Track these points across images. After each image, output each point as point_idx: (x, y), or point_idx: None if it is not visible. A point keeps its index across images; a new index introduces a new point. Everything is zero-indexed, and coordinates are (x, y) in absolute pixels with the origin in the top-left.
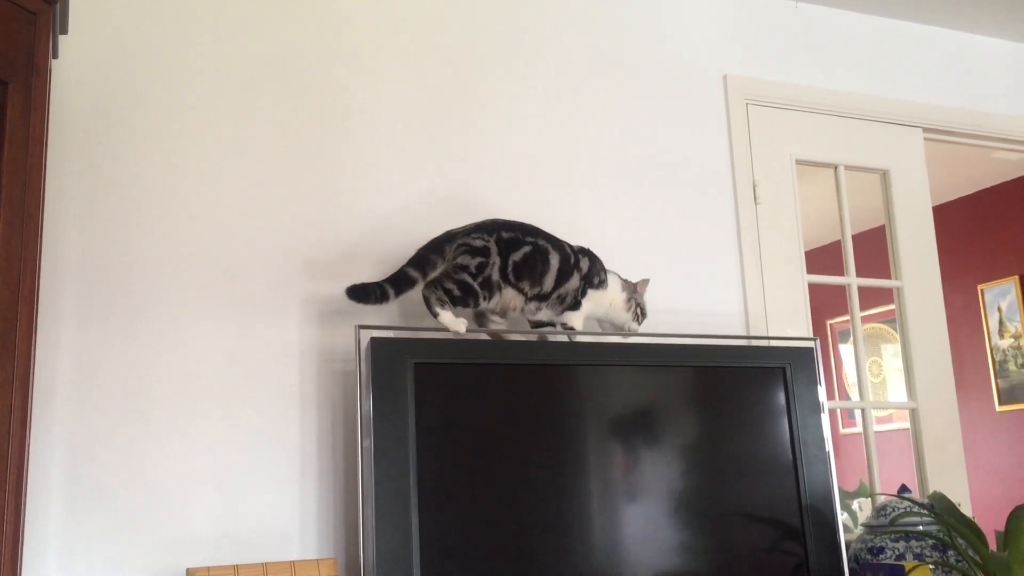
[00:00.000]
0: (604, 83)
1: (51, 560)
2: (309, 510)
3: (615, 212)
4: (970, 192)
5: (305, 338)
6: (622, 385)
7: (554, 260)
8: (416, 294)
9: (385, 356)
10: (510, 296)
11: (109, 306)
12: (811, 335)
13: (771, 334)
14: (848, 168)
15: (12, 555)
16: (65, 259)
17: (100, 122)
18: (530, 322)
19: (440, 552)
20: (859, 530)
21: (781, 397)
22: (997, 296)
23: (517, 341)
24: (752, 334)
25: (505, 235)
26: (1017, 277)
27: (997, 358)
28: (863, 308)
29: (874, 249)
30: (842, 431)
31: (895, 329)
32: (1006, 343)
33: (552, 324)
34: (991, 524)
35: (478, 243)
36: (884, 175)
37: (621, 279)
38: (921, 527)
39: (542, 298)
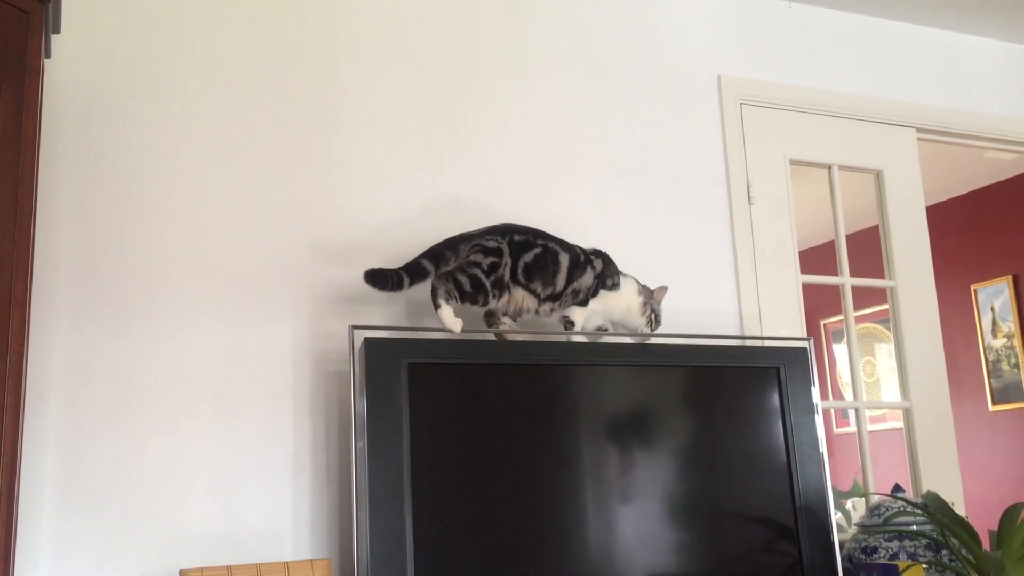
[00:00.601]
0: (599, 83)
1: (43, 561)
2: (303, 510)
3: (610, 212)
4: (963, 192)
5: (299, 338)
6: (616, 385)
7: (564, 260)
8: (420, 292)
9: (379, 356)
10: (521, 296)
11: (102, 306)
12: (805, 335)
13: (765, 334)
14: (842, 168)
15: (4, 556)
16: (58, 259)
17: (93, 122)
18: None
19: (434, 553)
20: (853, 530)
21: (775, 397)
22: (990, 296)
23: (511, 341)
24: (746, 334)
25: (517, 238)
26: (1010, 277)
27: (990, 358)
28: (857, 308)
29: (868, 249)
30: (836, 431)
31: (889, 329)
32: (999, 343)
33: (573, 323)
34: (985, 524)
35: (491, 244)
36: (877, 175)
37: (638, 284)
38: (915, 527)
39: (555, 298)
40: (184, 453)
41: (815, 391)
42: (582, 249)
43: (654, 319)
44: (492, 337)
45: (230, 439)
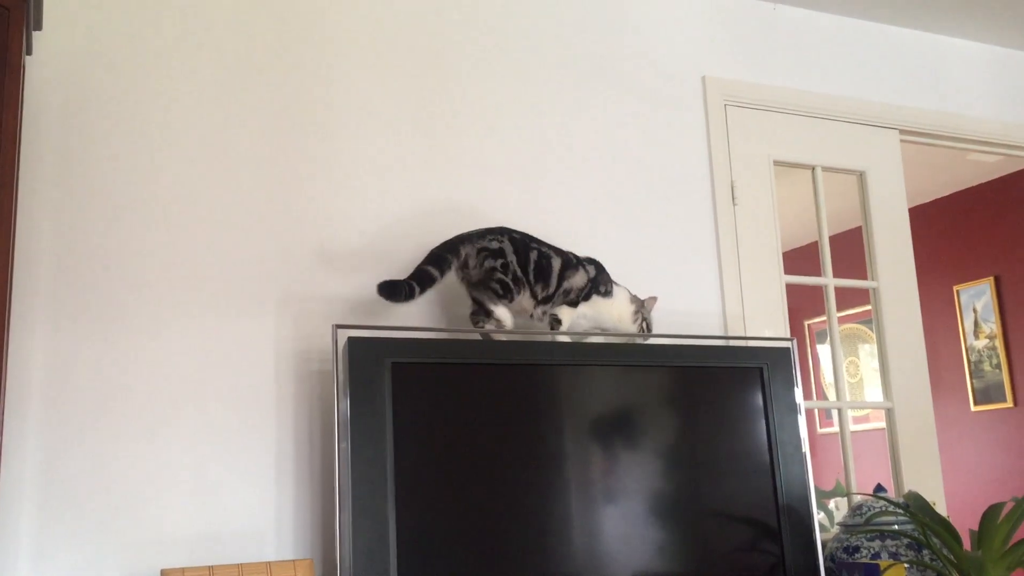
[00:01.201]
0: (584, 84)
1: (23, 562)
2: (285, 511)
3: (595, 212)
4: (946, 194)
5: (281, 338)
6: (600, 385)
7: (556, 263)
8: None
9: (362, 356)
10: (527, 297)
11: (83, 306)
12: (788, 335)
13: (749, 334)
14: (825, 169)
15: None
16: (39, 259)
17: (74, 119)
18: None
19: (417, 553)
20: (835, 529)
21: (758, 397)
22: (972, 297)
23: (496, 341)
24: (730, 334)
25: (516, 235)
26: (992, 278)
27: (972, 359)
28: (840, 309)
29: (851, 250)
30: (819, 431)
31: (872, 330)
32: (981, 344)
33: (560, 322)
34: (966, 523)
35: (494, 244)
36: (861, 176)
37: (630, 293)
38: (896, 526)
39: (547, 300)
40: (166, 453)
41: (798, 391)
42: (575, 256)
43: (645, 328)
44: (476, 337)
45: (212, 439)
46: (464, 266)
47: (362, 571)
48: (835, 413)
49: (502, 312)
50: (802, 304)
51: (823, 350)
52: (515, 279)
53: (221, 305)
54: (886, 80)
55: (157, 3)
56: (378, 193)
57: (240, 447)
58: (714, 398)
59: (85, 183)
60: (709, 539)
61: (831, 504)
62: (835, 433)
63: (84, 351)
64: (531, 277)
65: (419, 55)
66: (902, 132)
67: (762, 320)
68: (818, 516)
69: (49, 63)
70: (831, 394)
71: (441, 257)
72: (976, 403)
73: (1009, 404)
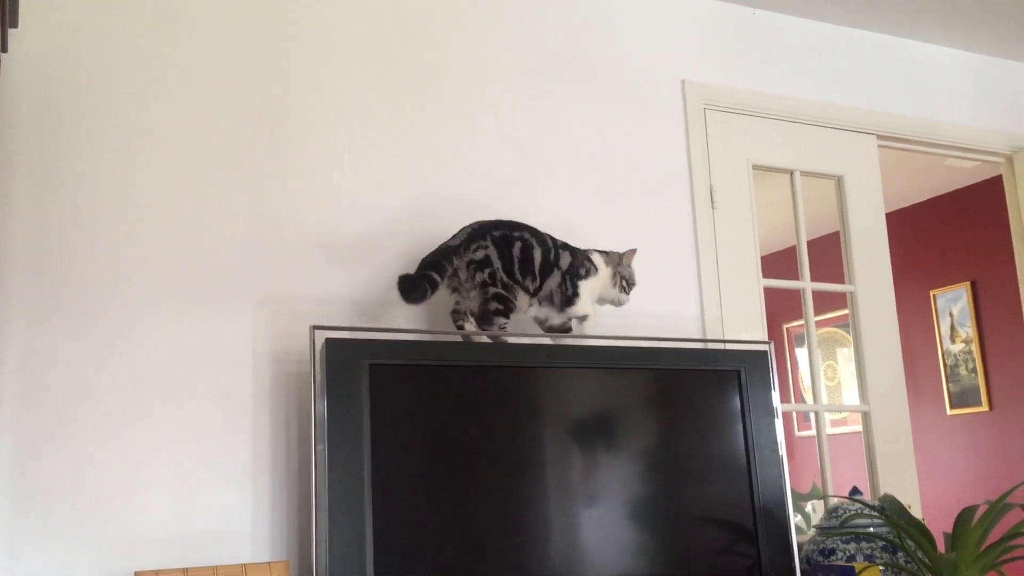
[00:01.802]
0: (565, 86)
1: None
2: (261, 512)
3: (574, 214)
4: (923, 199)
5: (259, 338)
6: (578, 387)
7: (537, 255)
8: (377, 293)
9: (340, 357)
10: (521, 296)
11: (58, 304)
12: (766, 339)
13: (727, 337)
14: (803, 174)
15: None
16: (13, 258)
17: (50, 117)
18: (537, 322)
19: (394, 556)
20: (811, 532)
21: (736, 400)
22: (949, 301)
23: (474, 343)
24: (708, 337)
25: (496, 234)
26: (968, 283)
27: (948, 363)
28: (819, 312)
29: (829, 254)
30: (797, 433)
31: (850, 333)
32: (957, 348)
33: (566, 329)
34: (942, 526)
35: (480, 255)
36: (839, 181)
37: (603, 255)
38: (872, 529)
39: (534, 293)
40: (140, 453)
41: (775, 395)
42: (553, 242)
43: (625, 284)
44: (455, 339)
45: (188, 439)
46: (454, 276)
47: (338, 573)
48: (812, 416)
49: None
50: (781, 307)
51: (801, 353)
52: (505, 285)
53: (198, 304)
54: (864, 85)
55: (135, 4)
56: (358, 192)
57: (216, 448)
58: (692, 401)
59: (60, 181)
60: (686, 541)
61: (808, 507)
62: (813, 436)
63: (58, 350)
64: (517, 275)
65: (400, 56)
66: (880, 137)
67: (740, 323)
68: (795, 519)
69: (25, 61)
70: (809, 397)
71: (438, 263)
72: (952, 407)
73: (984, 408)
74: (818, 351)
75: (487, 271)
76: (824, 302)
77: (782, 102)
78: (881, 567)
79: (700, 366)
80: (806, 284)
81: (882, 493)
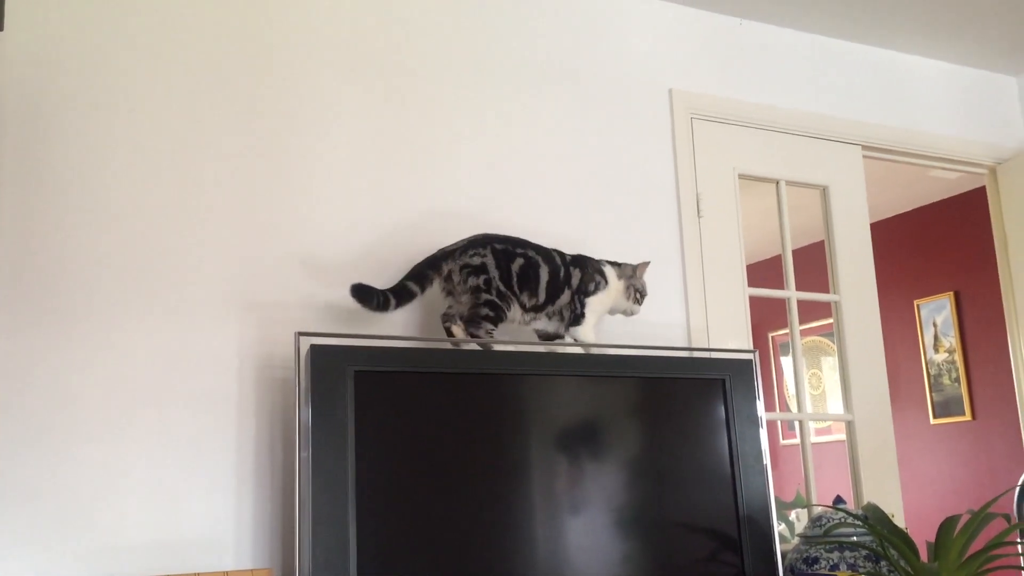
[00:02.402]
0: (552, 95)
1: None
2: (245, 519)
3: (561, 221)
4: (908, 209)
5: (244, 344)
6: (564, 395)
7: (544, 273)
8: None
9: (324, 364)
10: (515, 308)
11: (40, 310)
12: (751, 347)
13: (712, 346)
14: (789, 183)
15: None
16: None
17: (35, 122)
18: (537, 333)
19: (378, 565)
20: (795, 540)
21: (720, 409)
22: (933, 311)
23: (459, 350)
24: (693, 346)
25: (498, 247)
26: (952, 293)
27: (932, 372)
28: (804, 321)
29: (814, 264)
30: (782, 442)
31: (834, 342)
32: (941, 357)
33: (560, 336)
34: (925, 534)
35: (476, 260)
36: (824, 191)
37: (616, 267)
38: (855, 538)
39: (537, 309)
40: (123, 459)
41: (759, 404)
42: (563, 259)
43: (638, 296)
44: (440, 346)
45: (171, 446)
46: (447, 280)
47: None
48: (797, 425)
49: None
50: (767, 316)
51: (787, 362)
52: (500, 294)
53: (182, 310)
54: (849, 96)
55: (122, 6)
56: (346, 199)
57: (199, 454)
58: (677, 409)
59: (44, 186)
60: (671, 549)
61: (792, 515)
62: (798, 444)
63: (40, 356)
64: (515, 288)
65: (387, 64)
66: (865, 148)
67: (725, 332)
68: (779, 527)
69: (10, 64)
70: (794, 406)
71: (422, 274)
72: (935, 416)
73: (967, 417)
74: (802, 360)
75: (482, 277)
76: (809, 311)
77: (768, 112)
78: None
79: (685, 374)
80: (791, 293)
81: (865, 502)
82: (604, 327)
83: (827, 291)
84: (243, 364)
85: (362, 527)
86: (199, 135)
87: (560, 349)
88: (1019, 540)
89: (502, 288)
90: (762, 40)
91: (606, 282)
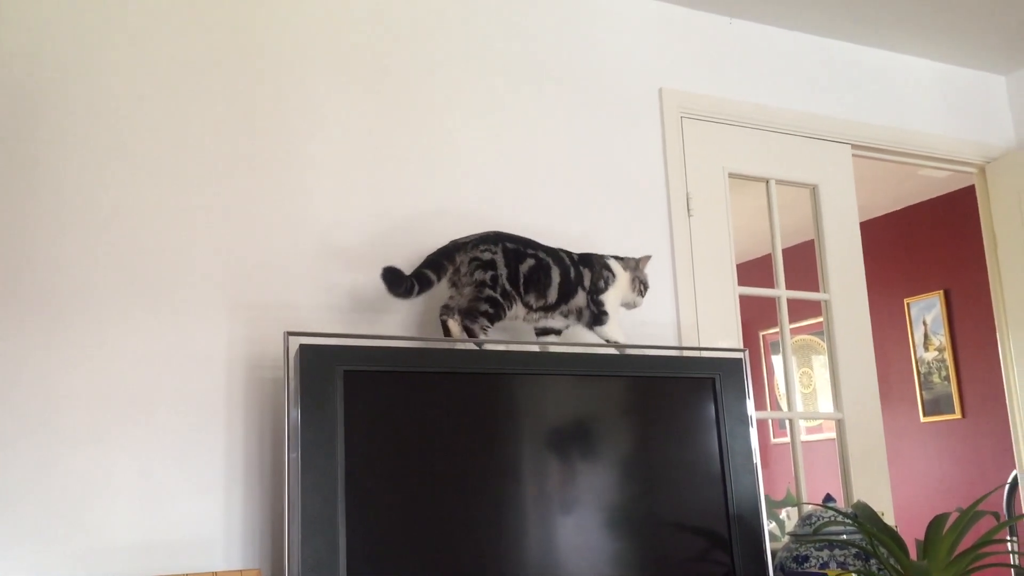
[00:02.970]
0: (543, 94)
1: None
2: (234, 520)
3: (551, 220)
4: (897, 208)
5: (234, 344)
6: (555, 394)
7: (555, 275)
8: (354, 301)
9: (314, 363)
10: (519, 307)
11: (28, 310)
12: (741, 346)
13: (702, 345)
14: (779, 182)
15: None
16: None
17: (20, 122)
18: (535, 330)
19: (368, 565)
20: (786, 539)
21: (711, 408)
22: (923, 310)
23: (449, 350)
24: (683, 345)
25: (510, 245)
26: (942, 292)
27: (922, 370)
28: (795, 320)
29: (804, 262)
30: (773, 440)
31: (825, 341)
32: (931, 356)
33: (558, 332)
34: (915, 532)
35: (486, 256)
36: (813, 190)
37: (620, 261)
38: (844, 536)
39: (547, 309)
40: (111, 460)
41: (750, 402)
42: (572, 260)
43: (642, 288)
44: (430, 345)
45: (159, 447)
46: (456, 271)
47: None
48: (787, 423)
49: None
50: (757, 315)
51: (777, 360)
52: (504, 293)
53: (172, 310)
54: (839, 95)
55: (108, 5)
56: (337, 199)
57: (188, 454)
58: (667, 408)
59: (31, 186)
60: (661, 548)
61: (783, 514)
62: (788, 443)
63: (28, 356)
64: (521, 289)
65: (379, 61)
66: (854, 147)
67: (716, 331)
68: (769, 525)
69: None
70: (785, 404)
71: (438, 263)
72: (926, 414)
73: (957, 415)
74: (793, 359)
75: (489, 273)
76: (800, 310)
77: (758, 111)
78: (854, 574)
79: (675, 373)
80: (781, 292)
81: (855, 500)
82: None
83: (817, 290)
84: (232, 364)
85: (351, 527)
86: (189, 134)
87: (551, 348)
88: (1008, 538)
89: (507, 287)
90: (752, 39)
91: (614, 276)
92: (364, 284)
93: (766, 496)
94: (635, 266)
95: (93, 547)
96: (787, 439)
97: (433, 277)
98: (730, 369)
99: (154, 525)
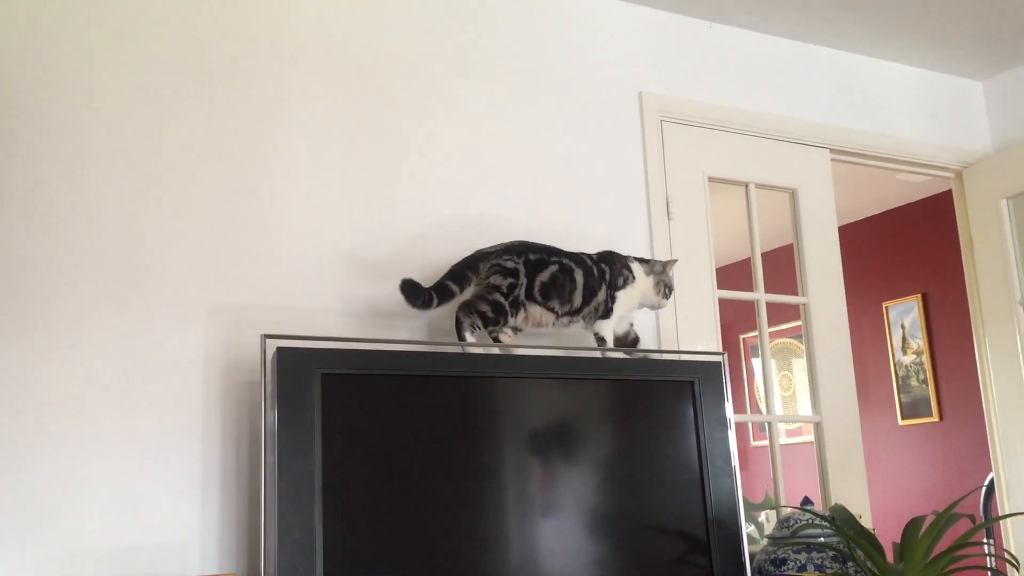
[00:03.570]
0: (524, 98)
1: None
2: (210, 524)
3: (532, 224)
4: (876, 212)
5: (210, 347)
6: (534, 397)
7: (579, 276)
8: (332, 302)
9: (291, 366)
10: (539, 313)
11: (0, 312)
12: (720, 350)
13: (682, 348)
14: (758, 186)
15: None
16: None
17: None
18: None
19: (345, 570)
20: (764, 541)
21: (689, 411)
22: (901, 313)
23: (428, 352)
24: (663, 348)
25: (532, 256)
26: (920, 295)
27: (900, 374)
28: (774, 323)
29: (783, 266)
30: (753, 443)
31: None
32: (909, 359)
33: (636, 340)
34: (892, 535)
35: (509, 264)
36: (792, 194)
37: (644, 264)
38: (822, 539)
39: (574, 313)
40: (86, 464)
41: (728, 406)
42: (592, 258)
43: (666, 291)
44: (409, 348)
45: (135, 450)
46: (480, 280)
47: None
48: (767, 426)
49: (471, 338)
50: (738, 318)
51: (757, 363)
52: (515, 302)
53: (148, 312)
54: (818, 100)
55: (87, 5)
56: (313, 201)
57: (165, 458)
58: (646, 411)
59: (4, 186)
60: (639, 551)
61: (762, 516)
62: (768, 445)
63: (0, 358)
64: (538, 298)
65: (359, 65)
66: (833, 151)
67: (695, 334)
68: (748, 528)
69: None
70: (764, 407)
71: (461, 274)
72: (904, 417)
73: (935, 418)
74: (772, 362)
75: (508, 280)
76: (779, 313)
77: (738, 115)
78: None
79: (654, 376)
80: (760, 296)
81: (833, 503)
82: (573, 331)
83: (796, 293)
84: (209, 367)
85: (329, 532)
86: (165, 134)
87: (529, 351)
88: (984, 540)
89: (522, 298)
90: (732, 44)
91: (633, 277)
92: (341, 287)
93: (745, 499)
94: (661, 269)
95: (68, 552)
96: (766, 442)
97: (455, 288)
98: (709, 372)
99: (129, 529)
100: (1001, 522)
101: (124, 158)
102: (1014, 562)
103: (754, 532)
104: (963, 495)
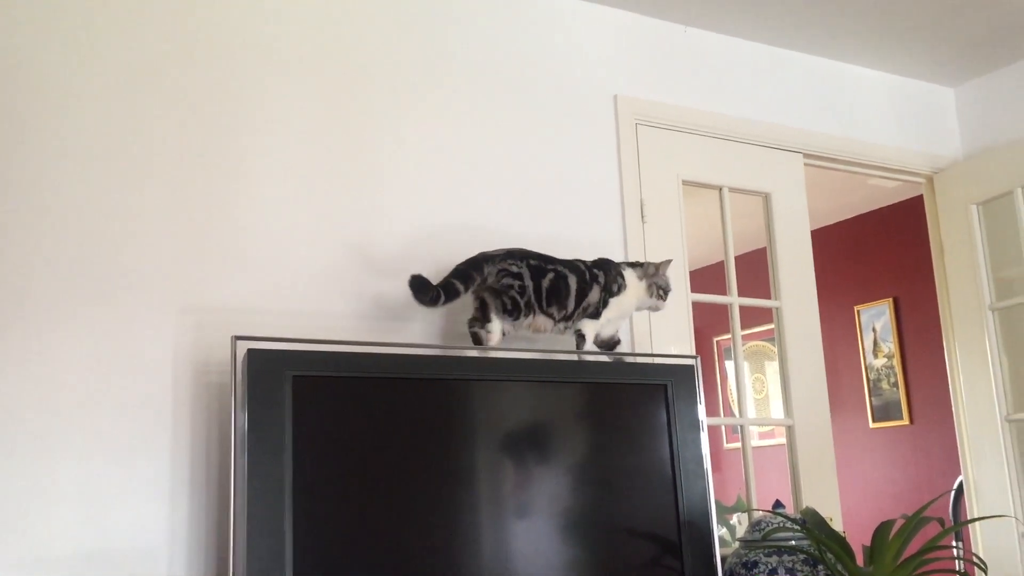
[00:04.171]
0: (498, 101)
1: None
2: (179, 528)
3: (506, 228)
4: (848, 217)
5: (180, 348)
6: (507, 400)
7: (572, 282)
8: (305, 302)
9: (261, 368)
10: (541, 320)
11: None
12: (693, 353)
13: (655, 351)
14: (732, 190)
15: None
16: None
17: None
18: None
19: (315, 573)
20: (735, 544)
21: (662, 414)
22: (872, 317)
23: (400, 355)
24: (636, 351)
25: (533, 262)
26: (891, 300)
27: (871, 377)
28: (747, 326)
29: (757, 269)
30: (727, 446)
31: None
32: (880, 362)
33: (617, 343)
34: (863, 538)
35: (514, 268)
36: (766, 198)
37: (636, 268)
38: (793, 542)
39: (568, 318)
40: (53, 467)
41: (701, 408)
42: (586, 266)
43: (662, 293)
44: (382, 350)
45: (102, 453)
46: (483, 282)
47: None
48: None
49: (496, 326)
50: (712, 320)
51: (731, 366)
52: (527, 303)
53: (116, 313)
54: (791, 105)
55: (56, 6)
56: (285, 201)
57: (133, 461)
58: (620, 414)
59: None
60: (611, 553)
61: (734, 519)
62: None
63: None
64: (543, 303)
65: (332, 67)
66: (806, 156)
67: (669, 337)
68: (720, 531)
69: None
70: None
71: (467, 274)
72: (875, 420)
73: (905, 422)
74: (745, 365)
75: (517, 283)
76: (753, 316)
77: (712, 119)
78: None
79: (628, 380)
80: (733, 299)
81: (804, 506)
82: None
83: (769, 297)
84: (178, 368)
85: (299, 535)
86: (135, 134)
87: (503, 354)
88: (953, 543)
89: (532, 299)
90: (707, 48)
91: (625, 286)
92: (313, 288)
93: (717, 502)
94: (654, 272)
95: (34, 556)
96: (739, 444)
97: (460, 287)
98: (682, 375)
99: (97, 533)
100: (970, 525)
101: (95, 160)
102: (982, 565)
103: (726, 535)
104: (933, 498)
